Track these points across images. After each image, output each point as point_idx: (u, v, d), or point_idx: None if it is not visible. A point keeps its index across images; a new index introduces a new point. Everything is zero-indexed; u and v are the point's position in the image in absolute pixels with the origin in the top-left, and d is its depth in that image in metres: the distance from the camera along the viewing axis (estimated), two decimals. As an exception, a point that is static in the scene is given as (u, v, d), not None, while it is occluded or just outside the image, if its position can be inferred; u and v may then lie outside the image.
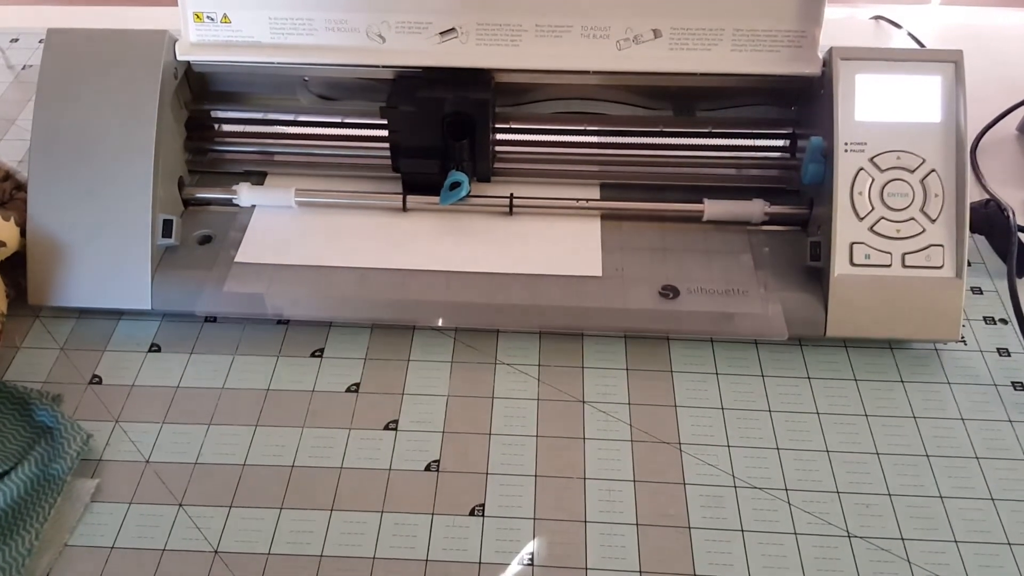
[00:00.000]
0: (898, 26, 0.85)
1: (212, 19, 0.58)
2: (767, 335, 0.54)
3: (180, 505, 0.48)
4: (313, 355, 0.55)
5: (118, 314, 0.57)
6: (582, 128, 0.61)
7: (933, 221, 0.53)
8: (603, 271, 0.56)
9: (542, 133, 0.62)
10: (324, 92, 0.63)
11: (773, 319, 0.53)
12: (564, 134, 0.62)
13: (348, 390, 0.53)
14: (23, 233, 0.56)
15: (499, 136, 0.61)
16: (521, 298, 0.55)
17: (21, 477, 0.47)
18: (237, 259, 0.57)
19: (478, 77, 0.58)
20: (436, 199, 0.58)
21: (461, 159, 0.59)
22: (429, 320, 0.55)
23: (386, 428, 0.51)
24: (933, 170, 0.53)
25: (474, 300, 0.55)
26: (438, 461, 0.50)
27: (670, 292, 0.55)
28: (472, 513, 0.47)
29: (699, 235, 0.58)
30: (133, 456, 0.50)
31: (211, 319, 0.57)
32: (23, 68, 0.81)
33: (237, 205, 0.60)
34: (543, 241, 0.58)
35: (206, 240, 0.58)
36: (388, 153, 0.61)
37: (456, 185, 0.58)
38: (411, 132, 0.58)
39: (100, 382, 0.54)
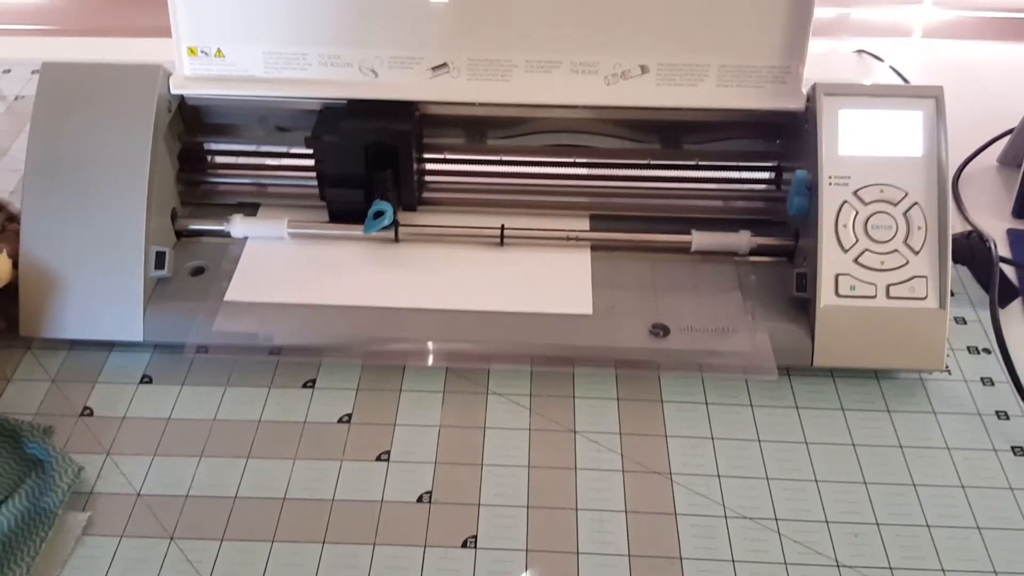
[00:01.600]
0: (880, 60, 0.87)
1: (206, 53, 0.59)
2: (757, 375, 0.54)
3: (171, 538, 0.48)
4: (305, 386, 0.55)
5: (110, 346, 0.58)
6: (571, 160, 0.62)
7: (916, 253, 0.54)
8: (594, 308, 0.56)
9: (527, 165, 0.63)
10: (282, 123, 0.63)
11: (763, 358, 0.54)
12: (553, 166, 0.63)
13: (340, 421, 0.54)
14: (15, 264, 0.56)
15: (430, 166, 0.63)
16: (512, 337, 0.55)
17: (12, 510, 0.47)
18: (227, 294, 0.57)
19: (401, 108, 0.59)
20: (430, 230, 0.59)
21: (385, 188, 0.59)
22: (419, 361, 0.55)
23: (378, 459, 0.52)
24: (916, 203, 0.54)
25: (465, 339, 0.55)
26: (430, 492, 0.50)
27: (660, 330, 0.55)
28: (464, 545, 0.48)
29: (687, 266, 0.59)
30: (124, 489, 0.50)
31: (203, 350, 0.57)
32: (15, 99, 0.81)
33: (230, 236, 0.61)
34: (534, 274, 0.58)
35: (199, 271, 0.59)
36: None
37: (380, 214, 0.58)
38: (335, 162, 0.59)
39: (91, 414, 0.54)
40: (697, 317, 0.56)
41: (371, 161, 0.58)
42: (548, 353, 0.55)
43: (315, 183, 0.62)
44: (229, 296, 0.57)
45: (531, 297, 0.57)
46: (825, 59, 0.89)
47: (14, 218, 0.59)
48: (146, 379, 0.56)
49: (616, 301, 0.57)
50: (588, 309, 0.56)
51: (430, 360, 0.55)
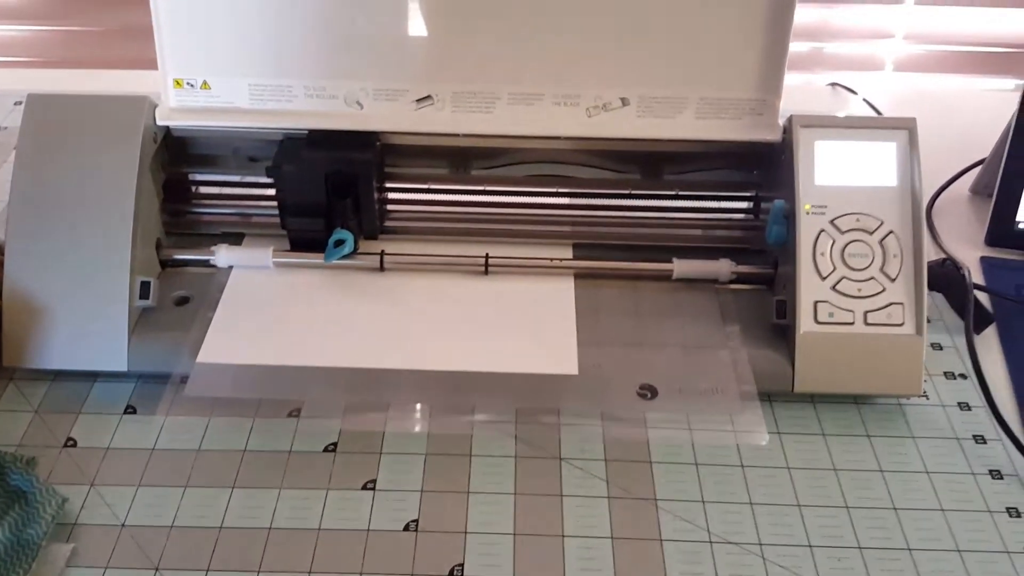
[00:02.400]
0: (854, 92, 0.89)
1: (192, 85, 0.60)
2: (746, 441, 0.54)
3: (156, 569, 0.47)
4: (290, 415, 0.55)
5: (93, 376, 0.57)
6: (554, 190, 0.63)
7: (893, 280, 0.55)
8: (579, 368, 0.55)
9: (511, 195, 0.64)
10: (253, 154, 0.64)
11: (753, 423, 0.54)
12: (536, 196, 0.64)
13: (326, 450, 0.54)
14: (-1, 295, 0.56)
15: (393, 195, 0.63)
16: (496, 399, 0.54)
17: (-6, 543, 0.47)
18: (210, 328, 0.56)
19: (362, 138, 0.60)
20: (418, 259, 0.60)
21: (346, 217, 0.60)
22: (402, 426, 0.54)
23: (364, 488, 0.52)
24: (891, 231, 0.56)
25: (447, 403, 0.55)
26: (416, 521, 0.50)
27: (648, 392, 0.55)
28: (451, 574, 0.48)
29: (669, 295, 0.60)
30: (109, 520, 0.50)
31: (187, 380, 0.57)
32: (-1, 129, 0.81)
33: (215, 266, 0.61)
34: (518, 317, 0.58)
35: (183, 301, 0.59)
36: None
37: (340, 243, 0.59)
38: (295, 191, 0.59)
39: (75, 445, 0.54)
40: (685, 377, 0.55)
41: (332, 190, 0.59)
42: (534, 415, 0.55)
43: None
44: (210, 335, 0.56)
45: (515, 354, 0.55)
46: (800, 91, 0.91)
47: (-2, 248, 0.59)
48: (130, 409, 0.56)
49: (602, 359, 0.56)
50: (574, 369, 0.55)
51: (414, 427, 0.55)
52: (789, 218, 0.57)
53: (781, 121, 0.59)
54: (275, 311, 0.58)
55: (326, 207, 0.59)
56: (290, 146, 0.60)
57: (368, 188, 0.60)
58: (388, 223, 0.63)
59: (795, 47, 1.06)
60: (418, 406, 0.55)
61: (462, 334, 0.57)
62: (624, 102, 0.59)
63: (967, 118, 0.85)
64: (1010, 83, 0.67)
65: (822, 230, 0.56)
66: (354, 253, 0.60)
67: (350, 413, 0.55)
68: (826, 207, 0.56)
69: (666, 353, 0.56)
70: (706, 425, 0.55)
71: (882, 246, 0.56)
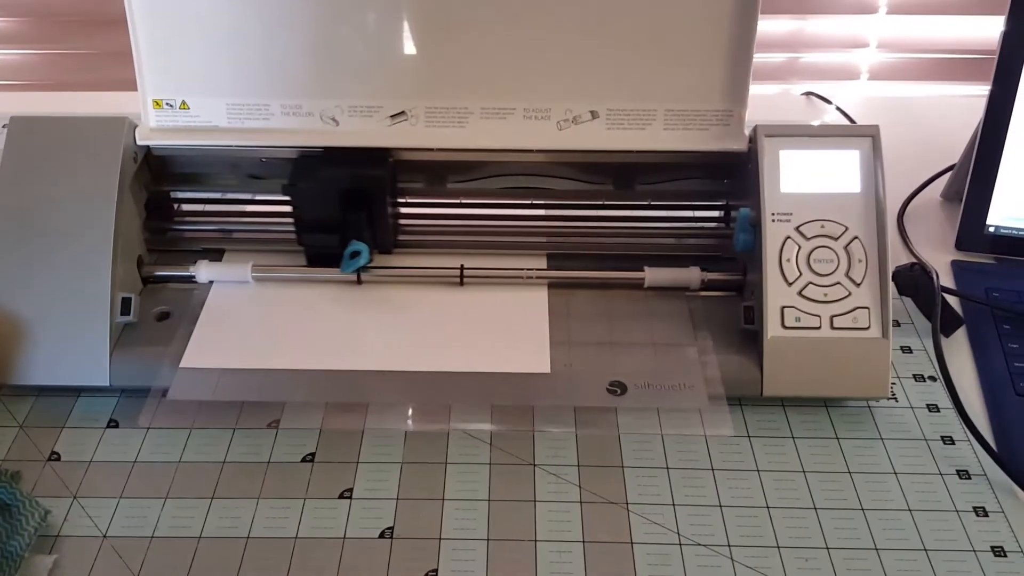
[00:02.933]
0: (828, 101, 0.90)
1: (171, 105, 0.61)
2: (713, 432, 0.56)
3: (136, 579, 0.49)
4: (269, 426, 0.56)
5: (77, 391, 0.59)
6: (528, 202, 0.65)
7: (858, 285, 0.56)
8: (551, 367, 0.57)
9: (485, 207, 0.65)
10: (254, 172, 0.65)
11: (719, 416, 0.55)
12: (511, 208, 0.65)
13: (304, 460, 0.55)
14: (-17, 313, 0.57)
15: (404, 210, 0.65)
16: (471, 399, 0.56)
17: (-24, 556, 0.48)
18: (191, 341, 0.58)
19: (375, 155, 0.61)
20: (390, 272, 0.61)
21: (361, 230, 0.61)
22: (379, 423, 0.56)
23: (341, 496, 0.53)
24: (856, 237, 0.57)
25: (423, 403, 0.56)
26: (392, 528, 0.51)
27: (618, 388, 0.56)
28: (425, 578, 0.49)
29: (641, 302, 0.61)
30: (91, 531, 0.51)
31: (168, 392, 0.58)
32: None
33: (195, 281, 0.62)
34: (493, 325, 0.59)
35: (164, 316, 0.60)
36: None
37: (356, 254, 0.60)
38: (311, 208, 0.61)
39: (59, 458, 0.55)
40: (654, 373, 0.56)
41: (346, 207, 0.60)
42: (506, 413, 0.56)
43: (279, 228, 0.64)
44: (192, 344, 0.57)
45: (489, 355, 0.57)
46: (775, 101, 0.93)
47: (-18, 268, 0.60)
48: (113, 423, 0.57)
49: (574, 359, 0.57)
50: (546, 367, 0.57)
51: (392, 424, 0.56)
52: (756, 226, 0.58)
53: (747, 131, 0.60)
54: (255, 323, 0.59)
55: (341, 223, 0.61)
56: (305, 164, 0.61)
57: (382, 204, 0.61)
58: (401, 237, 0.65)
59: (771, 57, 1.09)
60: (396, 406, 0.56)
61: (438, 339, 0.58)
62: (594, 115, 0.61)
63: (939, 124, 0.87)
64: (982, 88, 0.68)
65: (788, 237, 0.57)
66: (369, 265, 0.61)
67: (330, 413, 0.56)
68: (791, 214, 0.57)
69: (635, 352, 0.58)
70: (675, 423, 0.56)
71: (847, 251, 0.57)
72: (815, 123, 0.87)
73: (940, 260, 0.70)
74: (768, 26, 1.06)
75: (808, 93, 0.92)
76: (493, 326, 0.59)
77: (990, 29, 1.03)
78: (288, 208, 0.62)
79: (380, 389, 0.56)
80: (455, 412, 0.57)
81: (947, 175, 0.78)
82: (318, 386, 0.56)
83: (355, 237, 0.61)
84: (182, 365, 0.56)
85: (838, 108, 0.88)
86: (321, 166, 0.60)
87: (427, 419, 0.56)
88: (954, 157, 0.76)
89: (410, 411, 0.56)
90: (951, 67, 1.06)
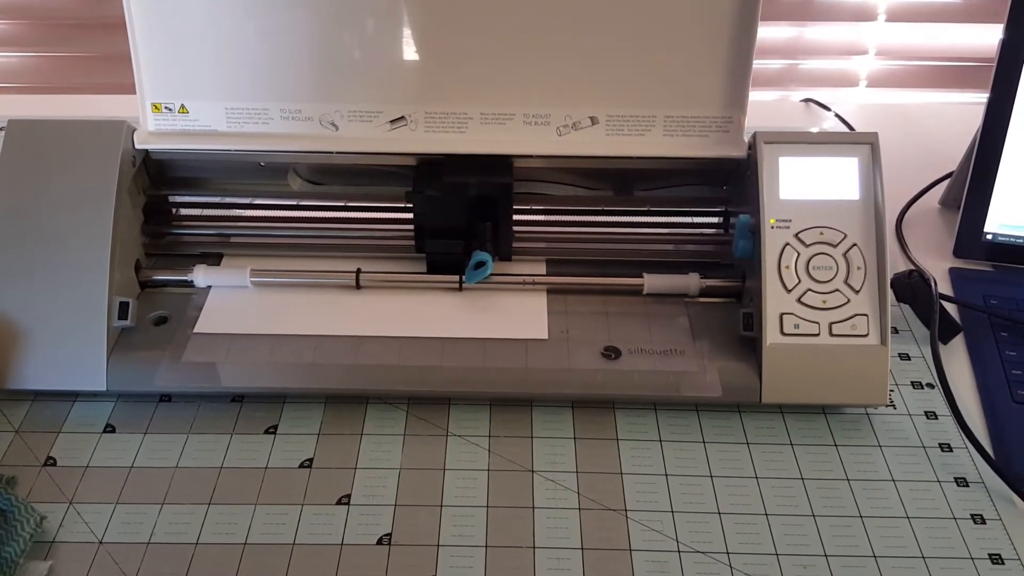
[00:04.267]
0: (827, 108, 0.90)
1: (170, 109, 0.61)
2: (703, 393, 0.57)
3: (132, 585, 0.48)
4: (267, 432, 0.56)
5: (73, 396, 0.58)
6: (527, 208, 0.64)
7: (857, 292, 0.56)
8: (549, 334, 0.59)
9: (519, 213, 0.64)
10: (311, 177, 0.66)
11: (708, 377, 0.56)
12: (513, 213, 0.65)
13: (301, 466, 0.54)
14: (-20, 317, 0.57)
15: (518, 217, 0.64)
16: (470, 361, 0.57)
17: (-28, 561, 0.47)
18: (195, 331, 0.58)
19: (499, 162, 0.61)
20: (388, 276, 0.61)
21: (484, 240, 0.61)
22: (380, 384, 0.57)
23: (339, 503, 0.52)
24: (855, 244, 0.57)
25: (424, 364, 0.57)
26: (390, 535, 0.51)
27: (612, 353, 0.57)
28: (423, 585, 0.48)
29: (640, 308, 0.61)
30: (87, 537, 0.50)
31: (166, 399, 0.58)
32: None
33: (193, 286, 0.62)
34: (492, 312, 0.60)
35: (162, 321, 0.60)
36: (389, 234, 0.64)
37: (481, 264, 0.60)
38: (436, 215, 0.61)
39: (55, 464, 0.54)
40: (647, 341, 0.59)
41: (471, 213, 0.61)
42: (505, 377, 0.57)
43: (278, 233, 0.64)
44: (191, 345, 0.58)
45: (489, 326, 0.59)
46: (775, 108, 0.93)
47: (-21, 271, 0.60)
48: (109, 428, 0.57)
49: (570, 326, 0.59)
50: (544, 334, 0.59)
51: (390, 385, 0.57)
52: (755, 232, 0.58)
53: (747, 138, 0.60)
54: (253, 328, 0.59)
55: (466, 230, 0.61)
56: (429, 171, 0.61)
57: (507, 211, 0.61)
58: (516, 244, 0.65)
59: (770, 64, 1.09)
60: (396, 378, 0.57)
61: (438, 326, 0.59)
62: (593, 121, 0.61)
63: (937, 132, 0.87)
64: (980, 96, 0.68)
65: (787, 244, 0.57)
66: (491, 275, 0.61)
67: (334, 381, 0.57)
68: (790, 221, 0.57)
69: (630, 321, 0.60)
70: (666, 390, 0.57)
71: (846, 259, 0.57)
72: (814, 130, 0.87)
73: (938, 267, 0.70)
74: (767, 33, 1.06)
75: (807, 100, 0.92)
76: (493, 314, 0.60)
77: (988, 37, 1.03)
78: (293, 213, 0.62)
79: (380, 352, 0.57)
80: (453, 383, 0.57)
81: (945, 182, 0.78)
82: (322, 350, 0.57)
83: (479, 244, 0.61)
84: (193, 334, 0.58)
85: (837, 115, 0.89)
86: (446, 172, 0.60)
87: (427, 381, 0.57)
88: (952, 164, 0.76)
89: (408, 374, 0.57)
90: (949, 75, 1.07)
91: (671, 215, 0.65)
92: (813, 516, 0.52)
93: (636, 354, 0.58)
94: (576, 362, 0.57)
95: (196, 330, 0.59)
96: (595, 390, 0.57)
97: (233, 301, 0.61)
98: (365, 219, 0.65)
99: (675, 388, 0.57)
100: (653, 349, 0.58)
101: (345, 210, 0.66)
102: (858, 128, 0.86)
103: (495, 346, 0.58)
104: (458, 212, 0.61)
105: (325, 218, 0.65)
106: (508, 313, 0.60)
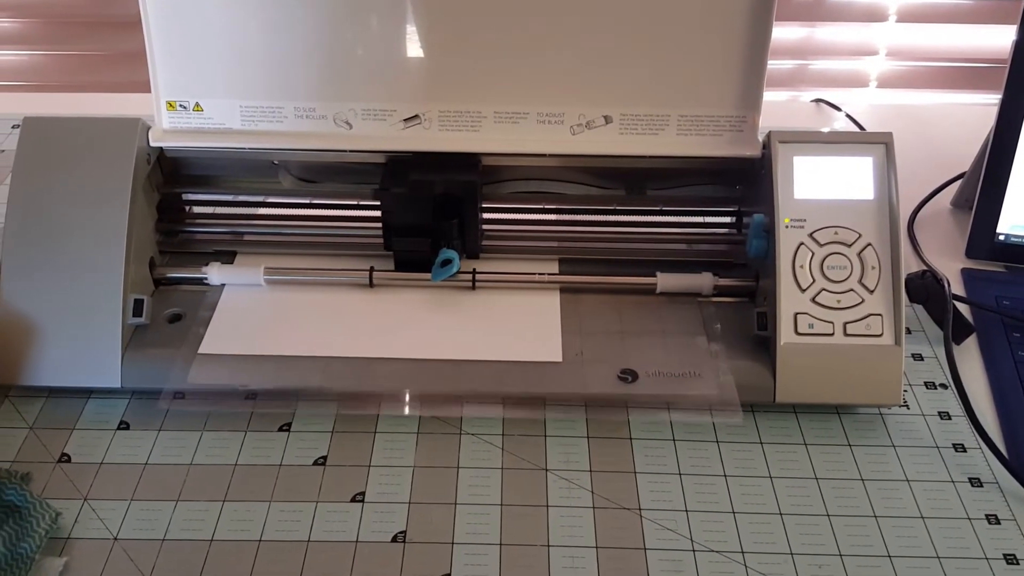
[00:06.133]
0: (838, 108, 0.90)
1: (185, 107, 0.61)
2: (723, 416, 0.56)
3: (148, 582, 0.48)
4: (281, 429, 0.56)
5: (87, 393, 0.58)
6: (540, 207, 0.64)
7: (871, 292, 0.56)
8: (563, 355, 0.57)
9: (506, 212, 0.65)
10: (302, 175, 0.65)
11: (728, 401, 0.56)
12: (524, 212, 0.65)
13: (315, 463, 0.55)
14: (-6, 314, 0.57)
15: (487, 215, 0.64)
16: (483, 385, 0.56)
17: (-12, 557, 0.47)
18: (204, 340, 0.58)
19: (465, 160, 0.61)
20: (403, 275, 0.61)
21: (451, 237, 0.61)
22: (394, 408, 0.56)
23: (353, 500, 0.52)
24: (869, 244, 0.57)
25: (437, 389, 0.56)
26: (404, 532, 0.51)
27: (629, 376, 0.56)
28: (438, 583, 0.48)
29: (653, 307, 0.61)
30: (101, 534, 0.51)
31: (180, 396, 0.58)
32: (-5, 152, 0.83)
33: (207, 284, 0.62)
34: (505, 320, 0.60)
35: (176, 319, 0.60)
36: (362, 232, 0.64)
37: (447, 262, 0.60)
38: (403, 213, 0.61)
39: (69, 460, 0.55)
40: (665, 362, 0.57)
41: (437, 211, 0.61)
42: (519, 402, 0.56)
43: (293, 231, 0.64)
44: (205, 343, 0.58)
45: (502, 345, 0.58)
46: (785, 108, 0.93)
47: (-7, 268, 0.60)
48: (123, 425, 0.57)
49: (585, 347, 0.58)
50: (558, 356, 0.57)
51: (405, 409, 0.56)
52: (769, 232, 0.58)
53: (761, 137, 0.60)
54: (267, 326, 0.59)
55: (433, 228, 0.61)
56: (396, 168, 0.61)
57: (473, 209, 0.61)
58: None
59: (780, 64, 1.09)
60: (408, 397, 0.57)
61: (451, 333, 0.59)
62: (607, 120, 0.61)
63: (948, 132, 0.87)
64: (991, 97, 0.68)
65: (801, 243, 0.57)
66: (458, 272, 0.60)
67: (343, 403, 0.57)
68: (805, 221, 0.57)
69: (646, 341, 0.58)
70: (684, 413, 0.57)
71: (860, 258, 0.57)
72: (825, 130, 0.87)
73: (950, 268, 0.70)
74: (777, 33, 1.05)
75: (818, 100, 0.92)
76: (505, 323, 0.59)
77: (999, 38, 1.03)
78: (302, 211, 0.62)
79: (392, 375, 0.56)
80: (467, 402, 0.57)
81: (956, 183, 0.78)
82: (332, 372, 0.56)
83: (446, 242, 0.61)
84: (202, 347, 0.57)
85: (848, 115, 0.89)
86: (413, 170, 0.60)
87: (439, 407, 0.56)
88: (963, 165, 0.76)
89: (421, 401, 0.57)
90: (960, 75, 1.07)
91: (684, 214, 0.65)
92: (827, 516, 0.52)
93: (654, 377, 0.56)
94: (592, 385, 0.56)
95: (209, 331, 0.59)
96: (612, 416, 0.57)
97: (247, 300, 0.61)
98: (341, 216, 0.65)
99: (695, 416, 0.56)
100: (671, 371, 0.56)
101: (349, 208, 0.65)
102: (869, 128, 0.86)
103: (507, 369, 0.56)
104: (425, 210, 0.60)
105: (337, 216, 0.65)
106: (522, 325, 0.59)
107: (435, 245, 0.61)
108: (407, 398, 0.57)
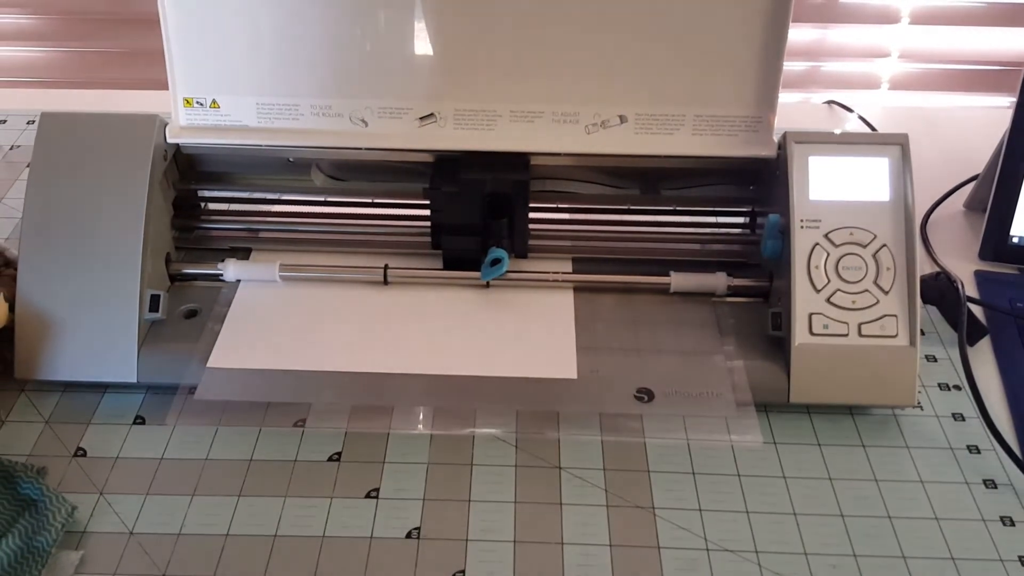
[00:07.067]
0: (850, 110, 0.90)
1: (202, 104, 0.61)
2: (741, 444, 0.55)
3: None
4: (296, 425, 0.57)
5: (103, 387, 0.59)
6: (554, 206, 0.65)
7: (886, 293, 0.56)
8: (578, 372, 0.56)
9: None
10: (334, 173, 0.66)
11: (748, 427, 0.55)
12: (538, 211, 0.65)
13: (330, 459, 0.55)
14: (12, 308, 0.57)
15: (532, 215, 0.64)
16: (496, 403, 0.56)
17: (5, 550, 0.48)
18: (214, 353, 0.57)
19: (515, 159, 0.61)
20: (416, 273, 0.61)
21: (500, 237, 0.61)
22: (403, 428, 0.56)
23: (367, 496, 0.53)
24: (884, 245, 0.57)
25: (449, 405, 0.56)
26: (419, 528, 0.51)
27: (645, 395, 0.56)
28: (453, 579, 0.49)
29: (667, 307, 0.61)
30: (117, 528, 0.51)
31: (195, 390, 0.58)
32: (11, 148, 0.83)
33: (223, 280, 0.62)
34: (519, 327, 0.59)
35: (192, 314, 0.60)
36: (403, 231, 0.64)
37: (497, 261, 0.60)
38: (453, 212, 0.61)
39: (85, 454, 0.55)
40: (682, 381, 0.56)
41: (487, 210, 0.61)
42: (533, 418, 0.56)
43: (306, 228, 0.65)
44: (216, 352, 0.57)
45: (516, 360, 0.57)
46: (797, 109, 0.93)
47: (10, 263, 0.60)
48: (139, 419, 0.57)
49: (600, 365, 0.57)
50: (573, 373, 0.57)
51: (418, 427, 0.56)
52: (784, 232, 0.58)
53: (776, 138, 0.60)
54: (282, 323, 0.59)
55: (482, 227, 0.61)
56: (446, 167, 0.61)
57: (523, 208, 0.61)
58: (543, 242, 0.64)
59: (793, 66, 1.09)
60: (421, 411, 0.56)
61: (464, 342, 0.58)
62: (622, 119, 0.61)
63: (961, 135, 0.87)
64: (1004, 100, 0.68)
65: (816, 244, 0.57)
66: (507, 272, 0.60)
67: (354, 417, 0.56)
68: (820, 221, 0.57)
69: (663, 359, 0.58)
70: (701, 432, 0.56)
71: (875, 259, 0.57)
72: (838, 132, 0.87)
73: (963, 270, 0.70)
74: (790, 34, 1.06)
75: (830, 102, 0.92)
76: (519, 331, 0.59)
77: (1013, 41, 1.03)
78: (321, 209, 0.63)
79: (405, 392, 0.56)
80: (480, 417, 0.56)
81: (969, 186, 0.78)
82: (343, 388, 0.56)
83: (495, 242, 0.61)
84: (209, 365, 0.56)
85: (860, 117, 0.88)
86: (463, 169, 0.60)
87: (451, 424, 0.56)
88: (976, 168, 0.76)
89: (434, 416, 0.56)
90: (973, 78, 1.06)
91: (698, 215, 0.65)
92: (841, 516, 0.52)
93: (671, 396, 0.55)
94: (608, 405, 0.55)
95: (225, 327, 0.59)
96: (627, 435, 0.56)
97: (262, 296, 0.61)
98: (386, 215, 0.65)
99: (711, 438, 0.56)
100: (688, 391, 0.56)
101: (370, 206, 0.66)
102: (881, 130, 0.86)
103: (521, 386, 0.55)
104: (475, 209, 0.61)
105: (353, 214, 0.65)
106: (536, 336, 0.58)
107: (484, 244, 0.61)
108: (420, 416, 0.56)
